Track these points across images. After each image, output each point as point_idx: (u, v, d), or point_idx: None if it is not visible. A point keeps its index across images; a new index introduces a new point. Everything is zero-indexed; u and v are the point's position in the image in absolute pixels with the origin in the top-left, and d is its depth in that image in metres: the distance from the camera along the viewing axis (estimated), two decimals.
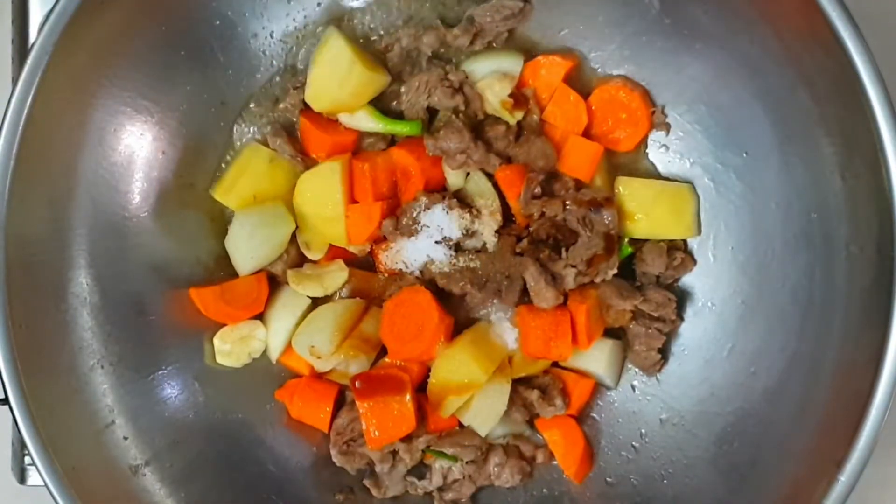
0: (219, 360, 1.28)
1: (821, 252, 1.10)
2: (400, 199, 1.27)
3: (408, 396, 1.20)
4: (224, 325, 1.28)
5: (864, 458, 0.99)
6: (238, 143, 1.29)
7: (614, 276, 1.23)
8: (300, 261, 1.30)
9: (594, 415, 1.30)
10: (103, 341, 1.18)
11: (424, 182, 1.26)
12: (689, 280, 1.27)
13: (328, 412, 1.27)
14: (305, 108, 1.28)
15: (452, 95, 1.24)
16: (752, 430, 1.16)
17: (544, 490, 1.30)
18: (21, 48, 1.36)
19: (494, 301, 1.24)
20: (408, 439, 1.24)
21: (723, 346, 1.22)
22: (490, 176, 1.26)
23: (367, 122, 1.26)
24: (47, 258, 1.14)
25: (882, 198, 0.99)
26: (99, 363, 1.18)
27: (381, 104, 1.27)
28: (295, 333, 1.27)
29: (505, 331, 1.25)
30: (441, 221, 1.22)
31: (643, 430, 1.27)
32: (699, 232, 1.26)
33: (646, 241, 1.26)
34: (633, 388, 1.29)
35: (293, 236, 1.28)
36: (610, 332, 1.28)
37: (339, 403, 1.29)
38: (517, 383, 1.25)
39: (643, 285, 1.27)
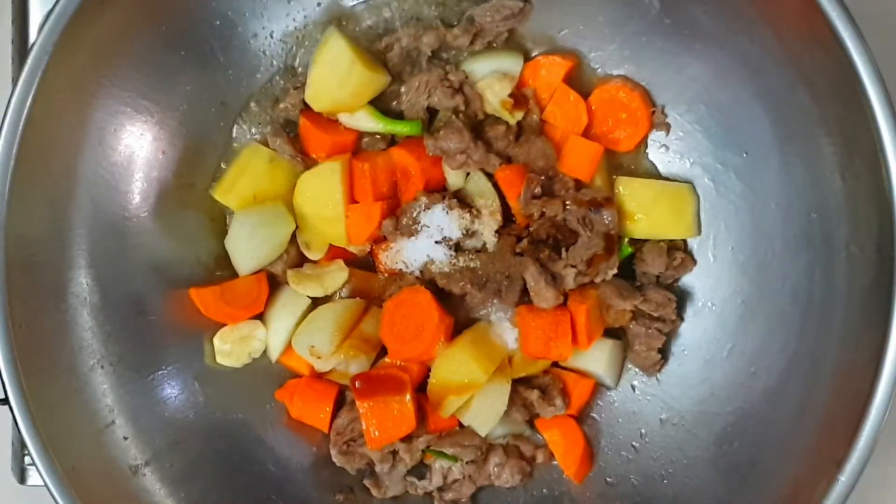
0: (219, 360, 1.28)
1: (821, 252, 1.10)
2: (400, 199, 1.27)
3: (408, 396, 1.20)
4: (224, 325, 1.28)
5: (864, 458, 0.99)
6: (238, 143, 1.29)
7: (614, 276, 1.23)
8: (300, 261, 1.30)
9: (594, 415, 1.30)
10: (103, 341, 1.18)
11: (424, 182, 1.26)
12: (689, 280, 1.27)
13: (328, 412, 1.27)
14: (305, 108, 1.28)
15: (452, 95, 1.24)
16: (752, 430, 1.16)
17: (544, 490, 1.30)
18: (21, 48, 1.36)
19: (494, 301, 1.24)
20: (408, 439, 1.24)
21: (723, 346, 1.22)
22: (490, 176, 1.26)
23: (367, 122, 1.26)
24: (47, 258, 1.14)
25: (882, 198, 0.99)
26: (99, 363, 1.18)
27: (381, 104, 1.27)
28: (295, 333, 1.27)
29: (505, 331, 1.25)
30: (441, 221, 1.22)
31: (643, 430, 1.27)
32: (699, 232, 1.26)
33: (646, 241, 1.26)
34: (633, 388, 1.29)
35: (293, 236, 1.28)
36: (610, 332, 1.28)
37: (339, 403, 1.29)
38: (517, 383, 1.25)
39: (643, 285, 1.27)
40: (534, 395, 1.25)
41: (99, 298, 1.18)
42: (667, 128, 1.25)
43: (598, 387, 1.30)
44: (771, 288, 1.17)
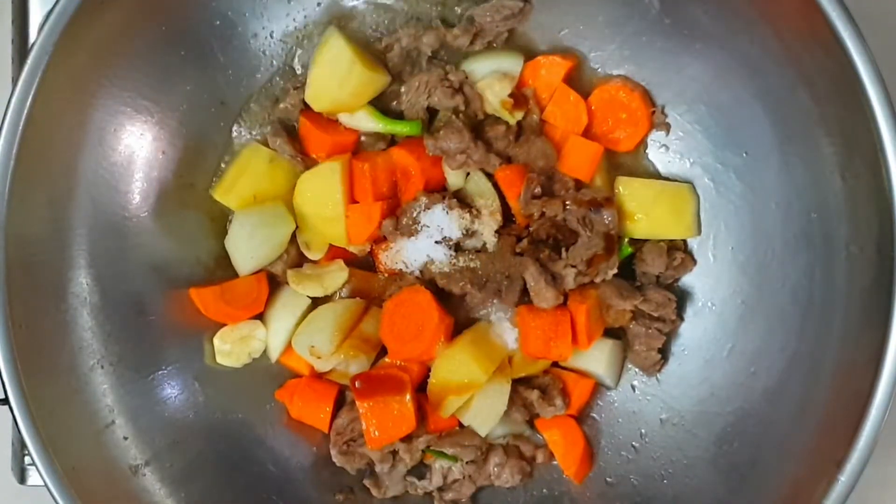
0: (219, 360, 1.28)
1: (821, 252, 1.10)
2: (400, 199, 1.27)
3: (408, 396, 1.20)
4: (224, 325, 1.28)
5: (864, 458, 0.99)
6: (238, 143, 1.29)
7: (614, 276, 1.23)
8: (300, 261, 1.30)
9: (594, 415, 1.30)
10: (103, 341, 1.18)
11: (424, 182, 1.26)
12: (689, 280, 1.27)
13: (328, 412, 1.27)
14: (305, 108, 1.28)
15: (452, 95, 1.24)
16: (752, 430, 1.16)
17: (544, 490, 1.30)
18: (21, 48, 1.35)
19: (494, 301, 1.24)
20: (408, 439, 1.24)
21: (723, 346, 1.22)
22: (490, 176, 1.26)
23: (367, 122, 1.26)
24: (47, 258, 1.14)
25: (882, 198, 0.99)
26: (99, 363, 1.18)
27: (381, 104, 1.27)
28: (295, 333, 1.27)
29: (505, 331, 1.25)
30: (441, 221, 1.22)
31: (643, 430, 1.27)
32: (699, 232, 1.26)
33: (646, 241, 1.26)
34: (633, 388, 1.29)
35: (293, 236, 1.28)
36: (610, 332, 1.28)
37: (339, 403, 1.29)
38: (517, 383, 1.25)
39: (643, 285, 1.27)
40: (534, 395, 1.25)
41: (99, 298, 1.18)
42: (667, 128, 1.25)
43: (598, 387, 1.30)
44: (771, 288, 1.17)
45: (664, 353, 1.26)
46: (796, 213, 1.13)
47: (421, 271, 1.25)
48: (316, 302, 1.28)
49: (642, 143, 1.28)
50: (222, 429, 1.27)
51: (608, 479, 1.27)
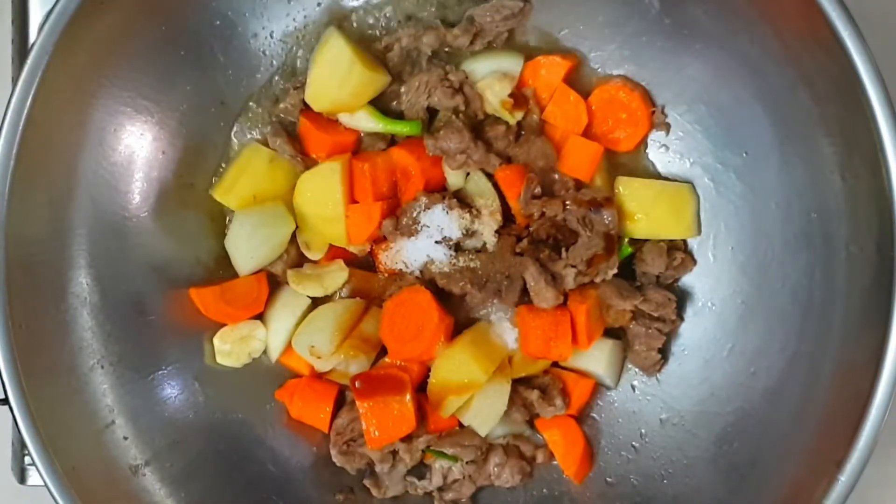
0: (219, 360, 1.28)
1: (821, 252, 1.10)
2: (400, 199, 1.27)
3: (408, 396, 1.20)
4: (224, 325, 1.28)
5: (864, 458, 0.99)
6: (238, 143, 1.29)
7: (614, 276, 1.23)
8: (300, 261, 1.30)
9: (594, 415, 1.30)
10: (103, 341, 1.18)
11: (424, 182, 1.26)
12: (689, 280, 1.27)
13: (328, 412, 1.27)
14: (305, 108, 1.28)
15: (452, 95, 1.24)
16: (752, 430, 1.16)
17: (544, 490, 1.30)
18: (21, 48, 1.35)
19: (494, 301, 1.24)
20: (408, 439, 1.24)
21: (723, 346, 1.22)
22: (490, 176, 1.26)
23: (367, 122, 1.26)
24: (47, 258, 1.14)
25: (882, 198, 0.99)
26: (99, 363, 1.18)
27: (381, 104, 1.27)
28: (295, 333, 1.27)
29: (505, 331, 1.25)
30: (441, 221, 1.22)
31: (643, 430, 1.27)
32: (699, 232, 1.26)
33: (646, 241, 1.26)
34: (633, 388, 1.29)
35: (293, 236, 1.28)
36: (610, 332, 1.28)
37: (339, 403, 1.29)
38: (517, 383, 1.25)
39: (643, 285, 1.27)
40: (534, 395, 1.25)
41: (99, 298, 1.18)
42: (667, 128, 1.25)
43: (598, 387, 1.30)
44: (771, 288, 1.17)
45: (664, 353, 1.26)
46: (796, 213, 1.13)
47: (421, 271, 1.25)
48: (316, 302, 1.28)
49: (642, 143, 1.28)
50: (222, 429, 1.27)
51: (608, 479, 1.27)
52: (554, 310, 1.21)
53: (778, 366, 1.15)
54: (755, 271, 1.20)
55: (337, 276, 1.27)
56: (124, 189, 1.21)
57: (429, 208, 1.22)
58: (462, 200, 1.25)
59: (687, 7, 1.15)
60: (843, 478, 1.00)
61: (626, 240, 1.26)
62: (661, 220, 1.24)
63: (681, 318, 1.27)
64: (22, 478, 1.35)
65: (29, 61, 1.06)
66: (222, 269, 1.28)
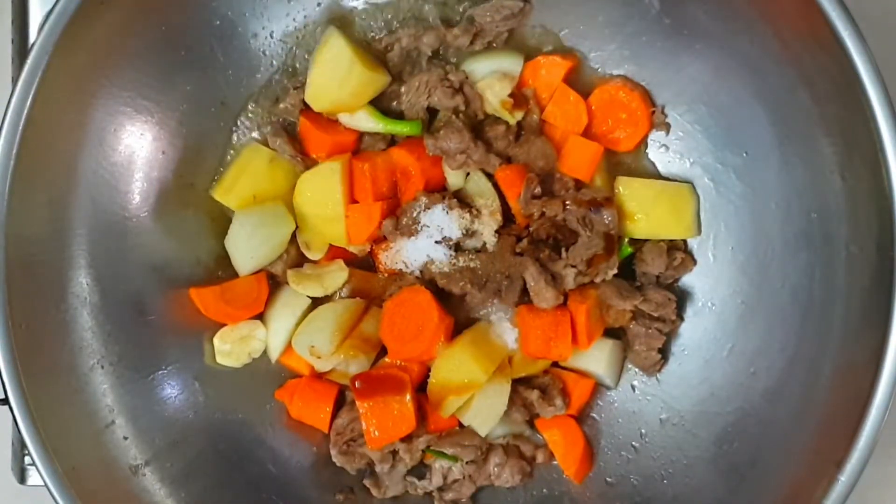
0: (219, 360, 1.28)
1: (821, 252, 1.10)
2: (400, 199, 1.27)
3: (408, 396, 1.20)
4: (224, 325, 1.28)
5: (864, 458, 0.99)
6: (238, 143, 1.29)
7: (614, 276, 1.23)
8: (300, 261, 1.30)
9: (594, 415, 1.30)
10: (103, 341, 1.18)
11: (424, 182, 1.26)
12: (689, 280, 1.27)
13: (328, 412, 1.27)
14: (305, 108, 1.27)
15: (452, 95, 1.24)
16: (752, 430, 1.16)
17: (544, 490, 1.30)
18: (21, 48, 1.35)
19: (494, 301, 1.24)
20: (408, 439, 1.24)
21: (723, 346, 1.22)
22: (490, 176, 1.26)
23: (367, 122, 1.26)
24: (47, 258, 1.14)
25: (882, 198, 0.99)
26: (99, 363, 1.18)
27: (381, 104, 1.27)
28: (295, 333, 1.26)
29: (505, 331, 1.25)
30: (441, 221, 1.22)
31: (643, 430, 1.27)
32: (699, 232, 1.26)
33: (646, 241, 1.26)
34: (633, 388, 1.29)
35: (293, 236, 1.28)
36: (610, 332, 1.28)
37: (339, 403, 1.29)
38: (517, 383, 1.25)
39: (643, 285, 1.27)
40: (534, 395, 1.25)
41: (99, 298, 1.18)
42: (667, 128, 1.25)
43: (598, 387, 1.30)
44: (771, 288, 1.17)
45: (664, 353, 1.26)
46: (796, 213, 1.13)
47: (421, 271, 1.25)
48: (316, 302, 1.28)
49: (642, 143, 1.28)
50: (222, 429, 1.27)
51: (608, 479, 1.27)
52: (554, 310, 1.21)
53: (778, 366, 1.15)
54: (755, 271, 1.20)
55: (337, 276, 1.27)
56: (124, 189, 1.21)
57: (429, 208, 1.22)
58: (462, 200, 1.24)
59: (687, 7, 1.15)
60: (843, 478, 1.00)
61: (626, 240, 1.26)
62: (661, 220, 1.24)
63: (681, 318, 1.27)
64: (22, 478, 1.35)
65: (29, 61, 1.06)
66: (222, 269, 1.28)
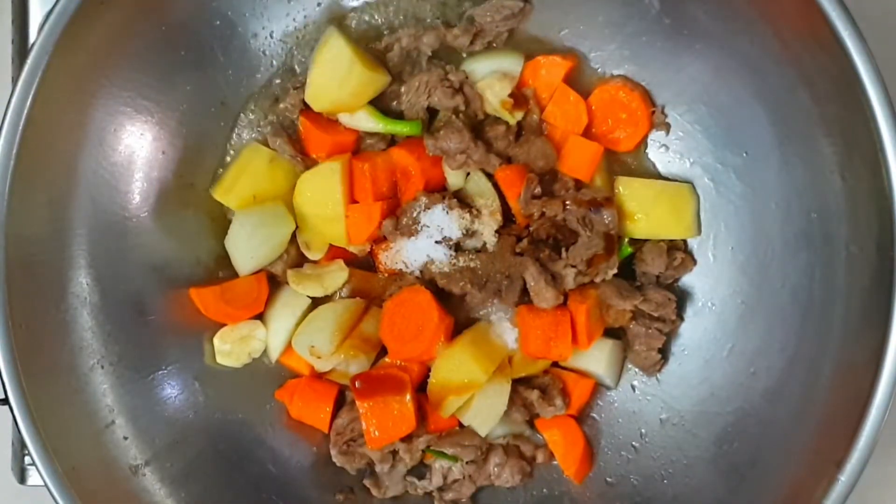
0: (219, 360, 1.28)
1: (821, 252, 1.10)
2: (400, 199, 1.27)
3: (408, 396, 1.20)
4: (224, 325, 1.28)
5: (864, 458, 0.99)
6: (238, 143, 1.29)
7: (614, 276, 1.23)
8: (300, 261, 1.30)
9: (594, 415, 1.30)
10: (103, 341, 1.18)
11: (424, 182, 1.26)
12: (689, 280, 1.27)
13: (328, 412, 1.27)
14: (305, 108, 1.27)
15: (452, 95, 1.24)
16: (752, 430, 1.16)
17: (544, 490, 1.30)
18: (21, 48, 1.35)
19: (494, 301, 1.24)
20: (408, 439, 1.24)
21: (723, 346, 1.22)
22: (490, 176, 1.26)
23: (367, 122, 1.26)
24: (47, 258, 1.14)
25: (882, 198, 0.99)
26: (99, 363, 1.18)
27: (381, 104, 1.27)
28: (295, 333, 1.26)
29: (505, 331, 1.25)
30: (441, 221, 1.22)
31: (643, 430, 1.27)
32: (699, 232, 1.26)
33: (646, 241, 1.26)
34: (633, 388, 1.29)
35: (293, 236, 1.28)
36: (610, 332, 1.28)
37: (339, 403, 1.29)
38: (517, 383, 1.25)
39: (643, 285, 1.27)
40: (534, 395, 1.25)
41: (99, 298, 1.18)
42: (667, 128, 1.25)
43: (598, 387, 1.30)
44: (771, 288, 1.17)
45: (664, 353, 1.26)
46: (796, 213, 1.13)
47: (421, 271, 1.25)
48: (316, 302, 1.28)
49: (642, 143, 1.28)
50: (222, 429, 1.27)
51: (608, 479, 1.27)
52: (554, 310, 1.21)
53: (778, 366, 1.15)
54: (755, 271, 1.20)
55: (337, 276, 1.27)
56: (124, 189, 1.21)
57: (429, 208, 1.22)
58: (462, 200, 1.24)
59: (687, 7, 1.15)
60: (843, 478, 1.00)
61: (626, 240, 1.26)
62: (661, 220, 1.24)
63: (681, 318, 1.27)
64: (22, 478, 1.35)
65: (29, 61, 1.06)
66: (222, 269, 1.28)
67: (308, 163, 1.28)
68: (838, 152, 1.06)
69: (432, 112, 1.28)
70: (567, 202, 1.21)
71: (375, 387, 1.21)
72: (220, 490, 1.24)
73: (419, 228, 1.23)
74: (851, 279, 1.06)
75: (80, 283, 1.17)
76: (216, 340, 1.28)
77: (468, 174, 1.27)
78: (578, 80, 1.26)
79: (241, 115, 1.29)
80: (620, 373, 1.30)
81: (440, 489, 1.29)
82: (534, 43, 1.26)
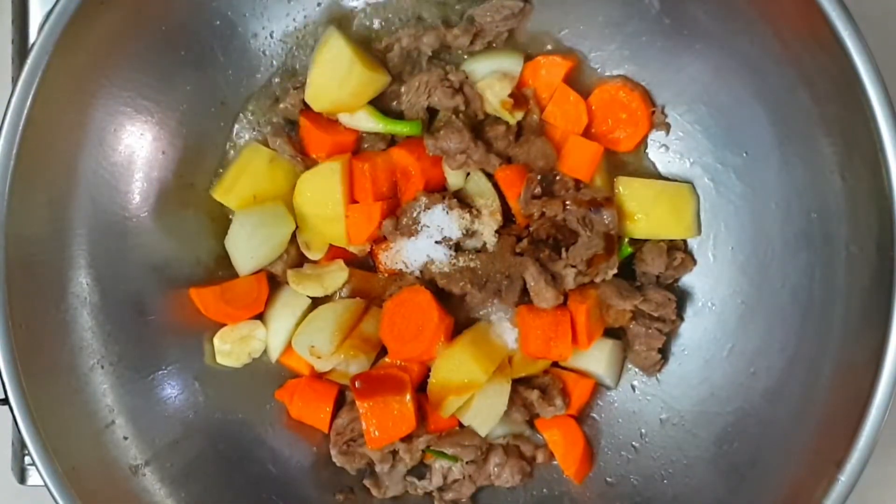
0: (219, 360, 1.28)
1: (821, 252, 1.10)
2: (400, 199, 1.27)
3: (408, 396, 1.20)
4: (224, 325, 1.28)
5: (864, 458, 0.99)
6: (238, 143, 1.29)
7: (614, 276, 1.23)
8: (300, 261, 1.30)
9: (594, 415, 1.30)
10: (103, 341, 1.18)
11: (424, 182, 1.26)
12: (689, 280, 1.27)
13: (328, 412, 1.27)
14: (305, 108, 1.27)
15: (452, 95, 1.24)
16: (752, 430, 1.16)
17: (544, 490, 1.30)
18: (21, 48, 1.36)
19: (494, 301, 1.24)
20: (408, 439, 1.24)
21: (723, 346, 1.22)
22: (490, 176, 1.26)
23: (367, 122, 1.26)
24: (47, 258, 1.14)
25: (882, 198, 0.99)
26: (99, 363, 1.18)
27: (381, 104, 1.27)
28: (295, 333, 1.26)
29: (505, 331, 1.25)
30: (441, 221, 1.22)
31: (643, 430, 1.27)
32: (699, 232, 1.26)
33: (646, 241, 1.26)
34: (633, 388, 1.29)
35: (293, 236, 1.28)
36: (610, 332, 1.28)
37: (339, 403, 1.29)
38: (517, 383, 1.25)
39: (643, 285, 1.27)
40: (534, 395, 1.25)
41: (99, 298, 1.18)
42: (667, 128, 1.25)
43: (598, 387, 1.30)
44: (771, 288, 1.17)
45: (664, 353, 1.26)
46: (796, 213, 1.13)
47: (421, 271, 1.25)
48: (316, 302, 1.28)
49: (642, 143, 1.28)
50: (222, 429, 1.27)
51: (608, 479, 1.27)
52: (554, 310, 1.21)
53: (778, 366, 1.15)
54: (755, 271, 1.20)
55: (337, 276, 1.27)
56: (124, 189, 1.21)
57: (429, 208, 1.22)
58: (462, 200, 1.24)
59: (687, 7, 1.15)
60: (843, 478, 1.00)
61: (626, 240, 1.26)
62: (661, 220, 1.24)
63: (681, 318, 1.27)
64: (22, 478, 1.35)
65: (29, 61, 1.06)
66: (222, 269, 1.28)
67: (308, 163, 1.28)
68: (838, 152, 1.06)
69: (432, 112, 1.28)
70: (567, 202, 1.21)
71: (375, 387, 1.21)
72: (220, 490, 1.24)
73: (419, 228, 1.23)
74: (851, 279, 1.06)
75: (80, 283, 1.17)
76: (216, 340, 1.28)
77: (468, 174, 1.27)
78: (578, 80, 1.26)
79: (241, 115, 1.29)
80: (620, 373, 1.30)
81: (440, 489, 1.29)
82: (534, 43, 1.26)
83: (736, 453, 1.17)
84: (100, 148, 1.17)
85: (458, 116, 1.25)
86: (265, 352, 1.29)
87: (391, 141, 1.29)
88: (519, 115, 1.26)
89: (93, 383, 1.17)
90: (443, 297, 1.24)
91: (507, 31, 1.25)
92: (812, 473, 1.04)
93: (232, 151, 1.29)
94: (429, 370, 1.24)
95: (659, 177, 1.28)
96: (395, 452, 1.26)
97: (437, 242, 1.23)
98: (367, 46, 1.26)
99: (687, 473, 1.22)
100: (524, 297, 1.22)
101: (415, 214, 1.23)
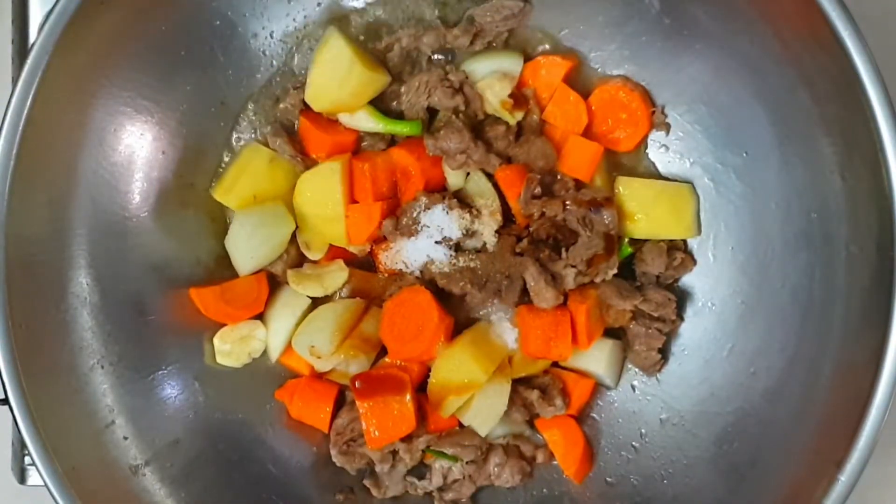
0: (219, 360, 1.28)
1: (821, 252, 1.10)
2: (400, 199, 1.27)
3: (408, 396, 1.20)
4: (224, 325, 1.28)
5: (864, 458, 0.99)
6: (238, 143, 1.29)
7: (614, 276, 1.23)
8: (300, 261, 1.30)
9: (594, 415, 1.30)
10: (103, 341, 1.18)
11: (424, 182, 1.26)
12: (689, 280, 1.27)
13: (328, 412, 1.27)
14: (305, 108, 1.28)
15: (452, 95, 1.24)
16: (752, 430, 1.16)
17: (544, 490, 1.30)
18: (21, 48, 1.36)
19: (494, 301, 1.24)
20: (408, 439, 1.24)
21: (723, 346, 1.22)
22: (490, 176, 1.26)
23: (367, 122, 1.26)
24: (47, 258, 1.14)
25: (882, 198, 0.99)
26: (99, 363, 1.18)
27: (381, 104, 1.27)
28: (295, 333, 1.26)
29: (505, 331, 1.25)
30: (441, 221, 1.22)
31: (643, 430, 1.27)
32: (699, 232, 1.26)
33: (646, 241, 1.26)
34: (633, 388, 1.29)
35: (293, 236, 1.28)
36: (610, 332, 1.28)
37: (339, 403, 1.29)
38: (517, 383, 1.25)
39: (643, 285, 1.27)
40: (534, 395, 1.25)
41: (99, 298, 1.18)
42: (667, 128, 1.25)
43: (598, 387, 1.30)
44: (771, 288, 1.17)
45: (664, 353, 1.26)
46: (796, 213, 1.13)
47: (421, 271, 1.25)
48: (316, 302, 1.28)
49: (642, 143, 1.28)
50: (222, 429, 1.27)
51: (608, 479, 1.27)
52: (554, 310, 1.21)
53: (778, 366, 1.15)
54: (755, 271, 1.20)
55: (337, 276, 1.27)
56: (124, 189, 1.21)
57: (429, 208, 1.22)
58: (462, 200, 1.25)
59: (687, 7, 1.15)
60: (843, 478, 1.00)
61: (626, 240, 1.26)
62: (661, 220, 1.24)
63: (681, 318, 1.27)
64: (22, 478, 1.35)
65: (29, 61, 1.06)
66: (222, 269, 1.28)
67: (308, 163, 1.28)
68: (838, 152, 1.06)
69: (432, 112, 1.28)
70: (567, 202, 1.21)
71: (375, 387, 1.21)
72: (220, 490, 1.24)
73: (419, 228, 1.23)
74: (851, 279, 1.06)
75: (80, 283, 1.17)
76: (216, 340, 1.28)
77: (468, 174, 1.27)
78: (578, 80, 1.26)
79: (241, 115, 1.29)
80: (620, 373, 1.30)
81: (440, 489, 1.29)
82: (534, 43, 1.26)
83: (736, 453, 1.17)
84: (100, 148, 1.17)
85: (458, 116, 1.25)
86: (265, 352, 1.29)
87: (391, 141, 1.29)
88: (519, 115, 1.25)
89: (93, 383, 1.17)
90: (443, 297, 1.24)
91: (507, 31, 1.25)
92: (812, 473, 1.04)
93: (232, 151, 1.29)
94: (429, 370, 1.24)
95: (659, 177, 1.28)
96: (395, 452, 1.26)
97: (437, 242, 1.23)
98: (367, 46, 1.26)
99: (687, 473, 1.22)
100: (524, 297, 1.22)
101: (415, 214, 1.23)
